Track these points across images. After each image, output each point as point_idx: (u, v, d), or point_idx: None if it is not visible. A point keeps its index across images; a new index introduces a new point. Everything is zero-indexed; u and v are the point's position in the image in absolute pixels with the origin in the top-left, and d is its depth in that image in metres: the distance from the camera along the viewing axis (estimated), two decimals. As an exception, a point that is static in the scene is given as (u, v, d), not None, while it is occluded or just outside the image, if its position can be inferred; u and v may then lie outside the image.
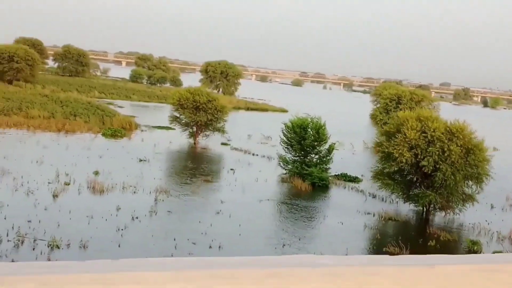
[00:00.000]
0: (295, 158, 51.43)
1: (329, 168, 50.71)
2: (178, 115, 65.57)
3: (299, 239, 32.44)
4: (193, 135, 65.09)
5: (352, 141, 75.37)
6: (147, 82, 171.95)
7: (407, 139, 38.47)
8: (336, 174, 52.21)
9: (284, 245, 31.00)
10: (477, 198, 40.61)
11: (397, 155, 38.45)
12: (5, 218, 30.12)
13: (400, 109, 69.61)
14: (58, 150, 51.75)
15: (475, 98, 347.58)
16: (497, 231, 37.68)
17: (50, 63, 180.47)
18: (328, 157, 51.07)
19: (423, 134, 38.60)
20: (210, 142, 65.69)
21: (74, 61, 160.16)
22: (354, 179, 51.48)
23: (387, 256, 3.61)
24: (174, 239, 29.61)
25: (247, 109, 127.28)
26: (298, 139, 51.03)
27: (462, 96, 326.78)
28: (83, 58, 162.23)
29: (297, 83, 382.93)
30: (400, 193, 40.97)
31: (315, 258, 3.36)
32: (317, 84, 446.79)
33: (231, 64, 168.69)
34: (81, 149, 53.01)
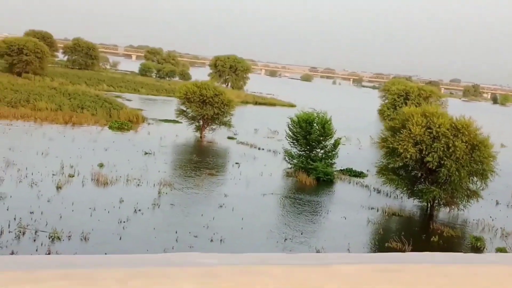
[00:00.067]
0: (300, 152, 51.36)
1: (334, 163, 50.61)
2: (184, 109, 65.57)
3: (301, 233, 32.40)
4: (200, 128, 65.09)
5: (359, 137, 75.24)
6: (156, 76, 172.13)
7: (412, 135, 38.31)
8: (342, 169, 52.11)
9: (286, 239, 30.95)
10: (482, 194, 40.46)
11: (401, 151, 38.31)
12: (7, 209, 30.19)
13: (408, 105, 69.32)
14: (64, 142, 51.84)
15: (485, 95, 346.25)
16: (501, 228, 37.49)
17: (60, 56, 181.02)
18: (333, 152, 50.97)
19: (428, 130, 38.42)
20: (217, 136, 65.69)
21: (84, 54, 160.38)
22: (359, 174, 51.38)
23: (283, 254, 3.38)
24: (176, 232, 29.59)
25: (255, 103, 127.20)
26: (304, 134, 50.93)
27: (472, 92, 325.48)
28: (93, 51, 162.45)
29: (306, 78, 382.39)
30: (405, 189, 40.86)
31: (197, 257, 3.02)
32: (327, 79, 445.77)
33: (240, 59, 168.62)
34: (87, 142, 53.09)
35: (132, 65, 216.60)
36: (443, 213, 41.13)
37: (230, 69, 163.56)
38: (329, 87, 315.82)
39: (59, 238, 26.93)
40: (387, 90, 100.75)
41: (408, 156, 38.22)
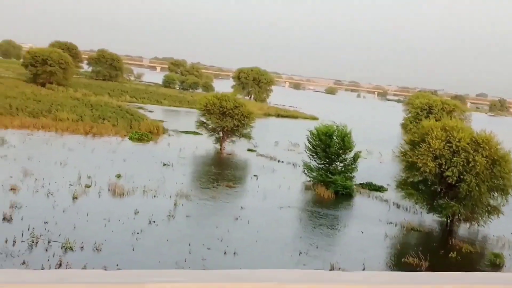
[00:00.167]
0: (319, 165, 50.95)
1: (353, 176, 50.12)
2: (204, 121, 65.47)
3: (317, 247, 31.98)
4: (219, 140, 64.94)
5: (381, 150, 74.56)
6: (179, 88, 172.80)
7: (431, 149, 37.75)
8: (361, 182, 51.65)
9: (300, 252, 30.56)
10: (503, 210, 39.75)
11: (420, 165, 37.76)
12: (22, 219, 30.19)
13: (431, 119, 68.63)
14: (83, 153, 51.96)
15: (511, 110, 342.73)
16: (521, 244, 36.79)
17: (85, 67, 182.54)
18: (353, 165, 50.48)
19: (448, 144, 37.83)
20: (237, 148, 65.50)
21: (108, 66, 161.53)
22: (379, 188, 50.84)
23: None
24: (189, 244, 29.36)
25: (277, 116, 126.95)
26: (323, 147, 50.52)
27: (498, 107, 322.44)
28: (117, 62, 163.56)
29: (330, 91, 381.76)
30: (424, 203, 40.26)
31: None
32: (351, 92, 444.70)
33: (264, 71, 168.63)
34: (107, 152, 53.17)
35: (156, 77, 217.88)
36: (463, 229, 40.46)
37: (253, 81, 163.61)
38: (353, 100, 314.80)
39: (71, 249, 26.82)
40: (411, 104, 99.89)
41: (427, 170, 37.66)
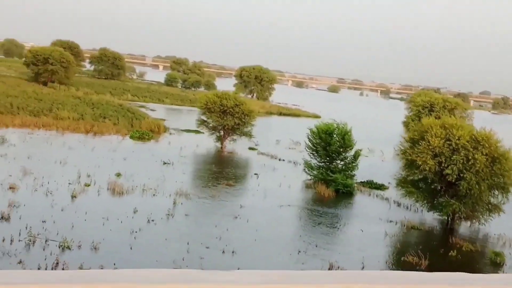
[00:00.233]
0: (320, 164, 50.84)
1: (354, 175, 49.99)
2: (205, 119, 65.38)
3: (316, 246, 31.85)
4: (220, 139, 64.85)
5: (382, 148, 74.33)
6: (181, 86, 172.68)
7: (430, 147, 37.61)
8: (362, 181, 51.53)
9: (299, 251, 30.44)
10: (504, 208, 39.59)
11: (420, 163, 37.62)
12: (20, 218, 30.12)
13: (433, 117, 68.42)
14: (83, 152, 51.91)
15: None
16: (522, 243, 36.64)
17: (88, 66, 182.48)
18: (353, 164, 50.36)
19: (448, 142, 37.67)
20: (238, 146, 65.41)
21: (110, 64, 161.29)
22: (380, 187, 50.68)
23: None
24: (188, 243, 29.27)
25: (280, 114, 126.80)
26: (324, 145, 50.41)
27: (501, 105, 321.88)
28: (119, 61, 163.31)
29: (333, 89, 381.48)
30: (424, 202, 40.12)
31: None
32: (354, 90, 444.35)
33: (266, 69, 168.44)
34: (107, 151, 53.10)
35: (158, 75, 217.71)
36: (464, 227, 40.33)
37: (256, 79, 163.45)
38: (355, 99, 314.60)
39: (69, 248, 26.74)
40: (412, 102, 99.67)
41: (427, 168, 37.51)
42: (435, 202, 39.56)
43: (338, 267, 28.26)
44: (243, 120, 64.09)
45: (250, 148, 66.07)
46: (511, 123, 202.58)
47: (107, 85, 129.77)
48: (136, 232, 30.19)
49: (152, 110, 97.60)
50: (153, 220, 32.67)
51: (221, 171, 50.78)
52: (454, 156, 37.05)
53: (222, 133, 64.82)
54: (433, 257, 31.25)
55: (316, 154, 51.28)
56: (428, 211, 40.69)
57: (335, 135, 50.49)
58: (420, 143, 38.34)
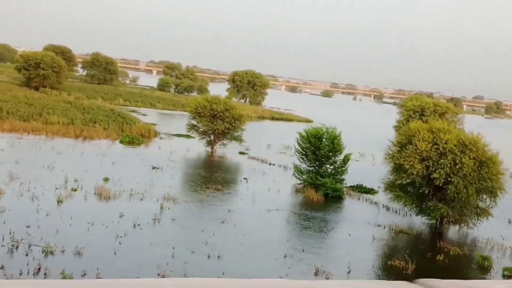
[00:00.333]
0: (309, 168, 50.77)
1: (343, 179, 49.91)
2: (195, 123, 65.25)
3: (303, 250, 31.71)
4: (211, 143, 64.72)
5: (374, 153, 74.23)
6: (174, 91, 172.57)
7: (418, 151, 37.54)
8: (352, 185, 51.48)
9: (285, 256, 30.29)
10: (493, 212, 39.55)
11: (408, 167, 37.55)
12: (4, 223, 29.91)
13: (423, 121, 68.41)
14: (72, 156, 51.68)
15: (508, 112, 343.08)
16: (510, 247, 36.57)
17: (81, 71, 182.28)
18: (343, 168, 50.28)
19: (435, 146, 37.61)
20: (228, 151, 65.29)
21: (103, 69, 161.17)
22: (370, 191, 50.62)
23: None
24: (173, 248, 29.09)
25: (272, 118, 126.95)
26: (313, 149, 50.34)
27: (494, 109, 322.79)
28: (111, 66, 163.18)
29: (326, 94, 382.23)
30: (413, 206, 40.08)
31: None
32: (348, 95, 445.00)
33: (258, 74, 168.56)
34: (96, 156, 52.88)
35: (152, 80, 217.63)
36: (452, 231, 40.26)
37: (248, 84, 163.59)
38: (349, 103, 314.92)
39: (52, 253, 26.53)
40: (404, 106, 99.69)
41: (415, 172, 37.44)
42: (423, 206, 39.49)
43: (324, 272, 28.16)
44: (233, 124, 63.99)
45: (241, 153, 65.99)
46: (503, 128, 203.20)
47: (99, 90, 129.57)
48: (121, 237, 30.01)
49: (143, 115, 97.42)
50: (139, 225, 32.50)
51: (211, 176, 50.63)
52: (442, 160, 36.97)
53: (212, 137, 64.70)
54: (420, 261, 31.15)
55: (305, 159, 51.22)
56: (416, 215, 40.62)
57: (324, 140, 50.41)
58: (407, 147, 38.28)
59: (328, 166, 50.46)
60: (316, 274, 27.89)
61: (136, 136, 65.98)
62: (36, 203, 34.48)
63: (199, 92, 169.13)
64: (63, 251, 26.92)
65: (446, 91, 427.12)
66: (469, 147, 36.99)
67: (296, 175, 50.93)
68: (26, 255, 26.11)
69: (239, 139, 65.05)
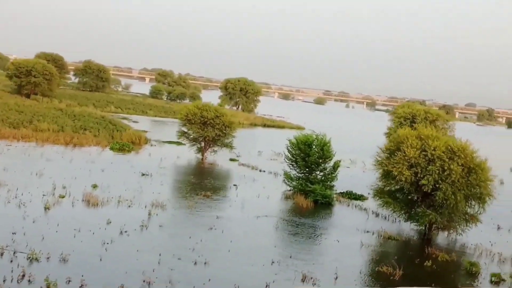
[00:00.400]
0: (299, 174, 50.74)
1: (333, 185, 49.89)
2: (186, 130, 65.16)
3: (290, 257, 31.59)
4: (201, 150, 64.62)
5: (365, 159, 74.33)
6: (166, 98, 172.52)
7: (406, 157, 37.51)
8: (342, 191, 51.48)
9: (273, 262, 30.17)
10: (482, 218, 39.57)
11: (396, 173, 37.52)
12: (-11, 230, 29.72)
13: (414, 128, 68.42)
14: (61, 163, 51.47)
15: (499, 119, 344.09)
16: (498, 253, 36.57)
17: (73, 78, 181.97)
18: (332, 174, 50.26)
19: (423, 153, 37.59)
20: (219, 157, 65.22)
21: (95, 77, 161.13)
22: (359, 197, 50.64)
23: None
24: (159, 254, 28.95)
25: (264, 125, 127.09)
26: (303, 156, 50.32)
27: (486, 116, 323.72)
28: (103, 73, 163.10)
29: (319, 101, 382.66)
30: (401, 212, 40.06)
31: None
32: (340, 102, 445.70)
33: (251, 81, 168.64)
34: (85, 163, 52.69)
35: (144, 88, 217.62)
36: (441, 238, 40.24)
37: (241, 91, 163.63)
38: (341, 110, 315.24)
39: (37, 260, 26.35)
40: (395, 113, 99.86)
41: (403, 179, 37.40)
42: (412, 212, 39.45)
43: (312, 278, 28.08)
44: (224, 131, 63.94)
45: (231, 159, 65.95)
46: (494, 135, 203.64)
47: (90, 97, 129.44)
48: (107, 243, 29.86)
49: (134, 122, 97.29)
50: (126, 231, 32.36)
51: (200, 182, 50.50)
52: (430, 167, 36.94)
53: (203, 144, 64.60)
54: (408, 267, 31.14)
55: (295, 165, 51.20)
56: (405, 222, 40.59)
57: (314, 146, 50.40)
58: (396, 154, 38.26)
59: (318, 172, 50.46)
60: (303, 280, 27.80)
61: (126, 143, 65.78)
62: (23, 210, 34.30)
63: (191, 100, 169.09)
64: (48, 257, 26.75)
65: (439, 99, 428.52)
66: (457, 154, 36.99)
67: (286, 181, 50.91)
68: (11, 261, 25.92)
69: (229, 146, 65.06)
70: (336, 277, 28.87)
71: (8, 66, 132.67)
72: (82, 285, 23.90)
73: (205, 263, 28.68)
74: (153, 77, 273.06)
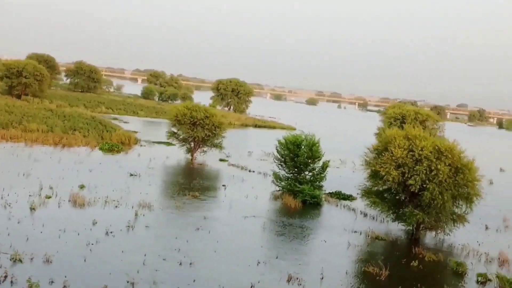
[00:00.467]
0: (288, 175, 50.67)
1: (322, 185, 49.83)
2: (175, 131, 65.02)
3: (277, 257, 31.49)
4: (191, 150, 64.47)
5: (354, 160, 74.34)
6: (158, 99, 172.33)
7: (394, 157, 37.47)
8: (331, 192, 51.45)
9: (259, 262, 30.07)
10: (470, 218, 39.57)
11: (383, 173, 37.48)
12: (-27, 231, 29.52)
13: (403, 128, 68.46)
14: (49, 164, 51.23)
15: (491, 120, 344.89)
16: (485, 253, 36.58)
17: (65, 79, 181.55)
18: (321, 175, 50.21)
19: (411, 153, 37.55)
20: (209, 158, 65.13)
21: (86, 77, 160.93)
22: (348, 197, 50.61)
23: None
24: (145, 255, 28.81)
25: (255, 126, 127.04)
26: (292, 156, 50.27)
27: (477, 117, 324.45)
28: (95, 74, 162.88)
29: (311, 102, 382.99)
30: (389, 212, 40.01)
31: None
32: (333, 103, 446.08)
33: (243, 82, 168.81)
34: (73, 163, 52.47)
35: (136, 88, 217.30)
36: (429, 238, 40.22)
37: (232, 92, 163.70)
38: (333, 111, 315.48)
39: (20, 260, 26.16)
40: (385, 114, 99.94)
41: (390, 179, 37.36)
42: (399, 212, 39.41)
43: (297, 278, 27.99)
44: (214, 131, 63.83)
45: (221, 160, 65.89)
46: (485, 135, 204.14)
47: (81, 98, 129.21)
48: (92, 244, 29.69)
49: (125, 122, 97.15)
50: (111, 232, 32.19)
51: (189, 183, 50.35)
52: (417, 167, 36.91)
53: (192, 144, 64.46)
54: (394, 267, 31.10)
55: (284, 165, 51.14)
56: (393, 222, 40.54)
57: (303, 146, 50.33)
58: (383, 154, 38.22)
59: (306, 173, 50.41)
60: (288, 281, 27.71)
61: (116, 144, 65.57)
62: (8, 211, 34.08)
63: (183, 100, 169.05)
64: (31, 258, 26.57)
65: (431, 99, 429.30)
66: (444, 154, 36.96)
67: (275, 181, 50.83)
68: (-6, 262, 25.74)
69: (219, 146, 64.98)
70: (322, 278, 28.80)
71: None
72: (65, 286, 23.74)
73: (190, 263, 28.55)
74: (145, 78, 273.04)
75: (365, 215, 44.40)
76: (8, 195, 37.66)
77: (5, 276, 24.04)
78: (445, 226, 38.62)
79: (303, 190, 47.04)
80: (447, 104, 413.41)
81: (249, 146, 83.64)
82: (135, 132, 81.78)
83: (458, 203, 38.55)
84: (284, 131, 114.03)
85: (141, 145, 70.74)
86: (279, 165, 51.62)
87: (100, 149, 63.20)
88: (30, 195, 38.24)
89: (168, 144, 71.00)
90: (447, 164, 36.85)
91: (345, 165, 72.41)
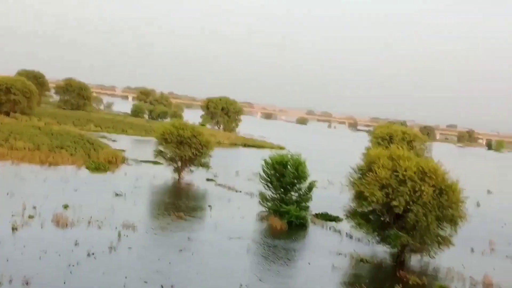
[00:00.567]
0: (274, 195, 50.47)
1: (308, 206, 49.63)
2: (162, 150, 64.76)
3: (260, 280, 31.29)
4: (178, 170, 64.22)
5: (342, 180, 74.14)
6: (148, 117, 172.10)
7: (378, 178, 37.39)
8: (317, 213, 51.24)
9: (241, 285, 29.83)
10: (455, 241, 39.39)
11: (367, 194, 37.36)
12: (-48, 251, 29.18)
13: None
14: (34, 183, 50.92)
15: (480, 141, 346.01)
16: (470, 276, 36.44)
17: (55, 96, 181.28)
18: (307, 195, 50.03)
19: (395, 173, 37.49)
20: (196, 177, 64.85)
21: (76, 95, 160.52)
22: (334, 219, 50.38)
23: None
24: (126, 277, 28.54)
25: (244, 145, 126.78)
26: (278, 176, 50.10)
27: (467, 138, 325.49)
28: (85, 91, 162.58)
29: (301, 121, 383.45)
30: (374, 234, 39.81)
31: None
32: (323, 123, 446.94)
33: (232, 101, 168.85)
34: (59, 182, 52.16)
35: (126, 106, 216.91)
36: (414, 260, 40.01)
37: (222, 110, 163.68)
38: (323, 131, 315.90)
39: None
40: (373, 133, 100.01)
41: (374, 200, 37.24)
42: (384, 234, 39.23)
43: (279, 301, 27.78)
44: (201, 151, 63.63)
45: (208, 179, 65.60)
46: (473, 156, 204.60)
47: (70, 116, 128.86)
48: (73, 266, 29.41)
49: (113, 141, 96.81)
50: (93, 254, 31.89)
51: (175, 203, 50.10)
52: (401, 188, 36.85)
53: (179, 164, 64.22)
54: (377, 291, 30.92)
55: (270, 186, 50.92)
56: (378, 244, 40.36)
57: (289, 166, 50.18)
58: (368, 174, 38.14)
59: (292, 193, 50.20)
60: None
61: (103, 163, 65.25)
62: (-11, 231, 33.78)
63: (173, 118, 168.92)
64: (10, 280, 26.27)
65: (421, 120, 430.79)
66: (428, 175, 36.91)
67: (261, 202, 50.62)
68: (-28, 285, 25.46)
69: (206, 166, 64.73)
70: (304, 301, 28.61)
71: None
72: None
73: (171, 286, 28.30)
74: (135, 95, 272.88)
75: (351, 237, 44.20)
76: (-10, 215, 37.33)
77: (-18, 299, 23.76)
78: (430, 249, 38.42)
79: (289, 211, 46.85)
80: (437, 124, 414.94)
81: (237, 165, 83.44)
82: (123, 150, 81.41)
83: (443, 225, 38.39)
84: (273, 150, 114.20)
85: (128, 164, 70.44)
86: (265, 185, 51.40)
87: (87, 168, 62.88)
88: (12, 215, 37.91)
89: (156, 163, 70.69)
90: (431, 185, 36.79)
91: (333, 186, 72.26)
